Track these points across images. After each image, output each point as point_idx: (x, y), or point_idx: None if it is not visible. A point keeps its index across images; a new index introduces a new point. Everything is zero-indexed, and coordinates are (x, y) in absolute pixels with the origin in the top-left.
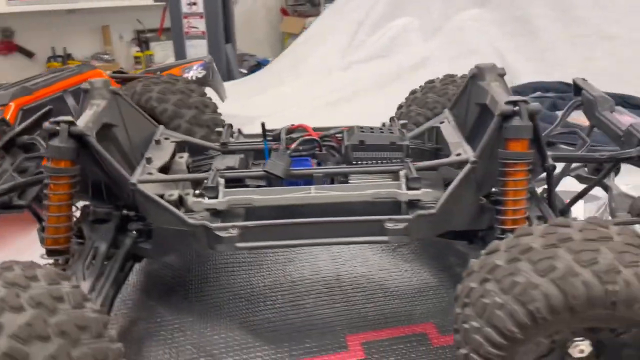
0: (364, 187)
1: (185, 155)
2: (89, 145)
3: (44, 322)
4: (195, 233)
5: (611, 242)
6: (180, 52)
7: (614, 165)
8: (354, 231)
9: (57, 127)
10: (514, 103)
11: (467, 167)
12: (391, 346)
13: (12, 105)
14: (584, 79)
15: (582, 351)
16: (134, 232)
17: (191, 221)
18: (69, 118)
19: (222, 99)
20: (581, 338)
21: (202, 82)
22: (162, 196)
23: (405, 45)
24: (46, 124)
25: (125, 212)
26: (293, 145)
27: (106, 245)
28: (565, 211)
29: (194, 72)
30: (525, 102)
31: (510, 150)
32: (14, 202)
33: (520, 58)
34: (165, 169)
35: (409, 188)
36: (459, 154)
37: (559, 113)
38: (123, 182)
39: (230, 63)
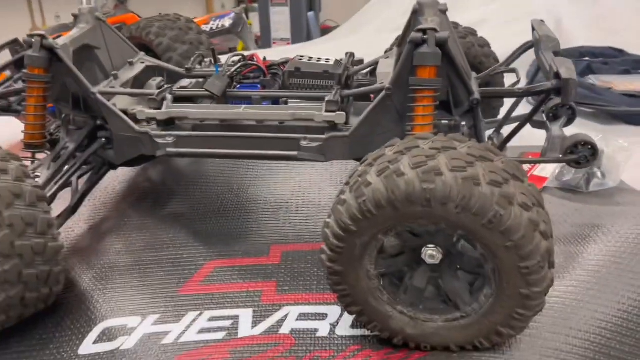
0: (290, 108)
1: (159, 79)
2: (59, 57)
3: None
4: (142, 139)
5: (451, 151)
6: (264, 19)
7: (542, 101)
8: (273, 146)
9: (33, 40)
10: (424, 31)
11: (382, 94)
12: (306, 256)
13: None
14: (541, 21)
15: (432, 256)
16: (103, 139)
17: (137, 128)
18: (42, 32)
19: (248, 49)
20: (432, 245)
21: (229, 30)
22: (126, 111)
23: (463, 9)
24: (25, 37)
25: (99, 122)
26: (233, 69)
27: (74, 146)
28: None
29: (222, 21)
30: (434, 30)
31: (418, 77)
32: (13, 107)
33: (577, 23)
34: (134, 88)
35: (326, 111)
36: (381, 83)
37: (593, 77)
38: (87, 93)
39: (310, 30)
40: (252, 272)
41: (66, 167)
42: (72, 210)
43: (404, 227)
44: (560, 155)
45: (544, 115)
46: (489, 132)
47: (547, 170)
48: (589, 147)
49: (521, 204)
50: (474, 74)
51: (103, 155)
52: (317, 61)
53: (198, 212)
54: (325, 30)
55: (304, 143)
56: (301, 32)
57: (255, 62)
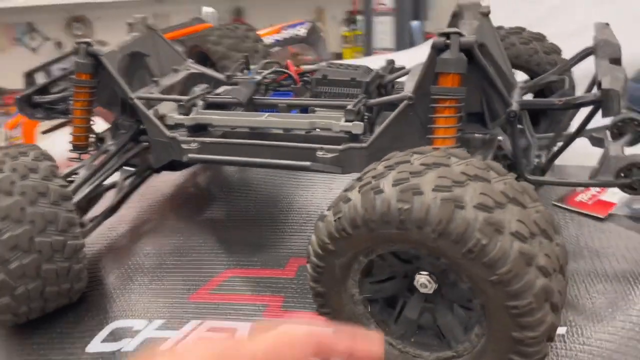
0: (310, 117)
1: (203, 85)
2: (103, 63)
3: (12, 183)
4: (172, 144)
5: (443, 167)
6: (368, 29)
7: (590, 116)
8: (290, 156)
9: (79, 47)
10: (447, 35)
11: (403, 103)
12: None
13: None
14: (606, 24)
15: (424, 285)
16: (145, 143)
17: (167, 133)
18: (88, 40)
19: (321, 57)
20: (425, 272)
21: (301, 39)
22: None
23: (566, 13)
24: (74, 44)
25: (142, 126)
26: (260, 77)
27: (116, 147)
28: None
29: (295, 30)
30: (458, 34)
31: (439, 86)
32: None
33: None
34: (177, 94)
35: (346, 120)
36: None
37: None
38: (126, 98)
39: (413, 40)
40: (264, 284)
41: (106, 168)
42: (111, 210)
43: (384, 249)
44: (612, 179)
45: (607, 132)
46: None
47: (618, 195)
48: None
49: (514, 233)
50: (521, 83)
51: (146, 160)
52: (346, 69)
53: (234, 220)
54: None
55: (319, 153)
56: (403, 42)
57: (284, 70)
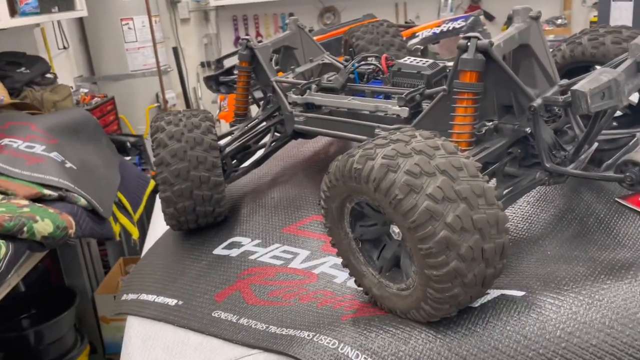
0: (376, 101)
1: (332, 73)
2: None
3: (182, 134)
4: (291, 117)
5: (399, 143)
6: (604, 15)
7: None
8: (360, 131)
9: (242, 42)
10: (469, 38)
11: (440, 94)
12: None
13: None
14: None
15: (395, 233)
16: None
17: (289, 108)
18: (247, 37)
19: None
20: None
21: (458, 32)
22: None
23: None
24: (240, 40)
25: None
26: (349, 65)
27: (262, 117)
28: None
29: (454, 24)
30: (477, 38)
31: (459, 81)
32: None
33: None
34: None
35: (398, 106)
36: None
37: None
38: (267, 81)
39: None
40: None
41: (254, 131)
42: (257, 162)
43: (358, 199)
44: (612, 173)
45: None
46: None
47: None
48: (638, 168)
49: (428, 194)
50: (565, 80)
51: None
52: (417, 63)
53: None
54: None
55: (377, 131)
56: None
57: (373, 62)
